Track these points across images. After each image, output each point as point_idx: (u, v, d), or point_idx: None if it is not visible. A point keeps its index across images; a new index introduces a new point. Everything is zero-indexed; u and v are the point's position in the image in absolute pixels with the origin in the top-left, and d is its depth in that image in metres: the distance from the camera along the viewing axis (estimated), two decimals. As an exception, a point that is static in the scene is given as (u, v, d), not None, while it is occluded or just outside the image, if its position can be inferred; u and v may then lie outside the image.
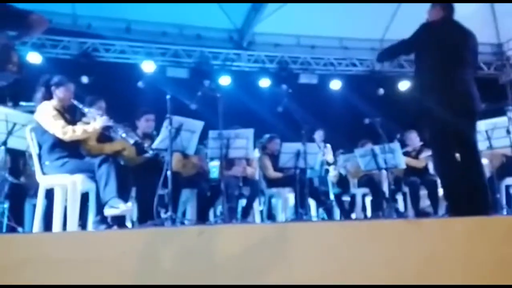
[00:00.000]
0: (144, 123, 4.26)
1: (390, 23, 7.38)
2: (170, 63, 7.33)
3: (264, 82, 7.62)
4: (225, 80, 7.34)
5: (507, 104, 4.83)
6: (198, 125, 3.95)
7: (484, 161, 4.91)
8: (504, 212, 4.35)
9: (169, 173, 3.55)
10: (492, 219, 3.21)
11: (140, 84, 4.04)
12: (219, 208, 4.96)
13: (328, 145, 6.43)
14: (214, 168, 5.20)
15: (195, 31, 7.28)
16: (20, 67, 2.49)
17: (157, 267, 2.11)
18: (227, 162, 4.64)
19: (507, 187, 4.80)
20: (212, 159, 4.83)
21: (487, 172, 4.86)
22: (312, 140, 5.44)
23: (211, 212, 4.83)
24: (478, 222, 2.72)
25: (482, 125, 4.35)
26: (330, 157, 6.23)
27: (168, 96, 3.71)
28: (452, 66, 3.17)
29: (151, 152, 3.90)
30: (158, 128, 4.02)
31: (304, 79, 7.79)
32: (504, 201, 4.59)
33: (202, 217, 4.48)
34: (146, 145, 3.93)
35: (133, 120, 4.28)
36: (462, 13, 7.11)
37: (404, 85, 7.83)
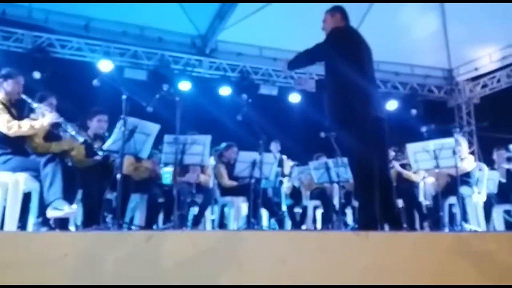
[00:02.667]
0: (96, 124, 4.11)
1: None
2: (129, 64, 7.16)
3: (225, 90, 7.62)
4: (184, 85, 7.26)
5: (454, 127, 5.08)
6: (154, 128, 3.86)
7: (431, 179, 5.14)
8: (447, 229, 4.53)
9: (119, 176, 3.44)
10: (435, 235, 3.35)
11: (95, 82, 3.89)
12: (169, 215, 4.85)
13: (284, 156, 6.50)
14: (167, 173, 5.09)
15: (157, 33, 7.17)
16: None
17: (101, 271, 2.02)
18: (181, 168, 4.56)
19: (450, 205, 5.01)
20: (166, 164, 4.72)
21: (433, 191, 5.10)
22: (268, 150, 5.47)
23: (161, 219, 4.70)
24: (422, 238, 2.83)
25: (431, 145, 4.53)
26: (287, 169, 6.29)
27: (124, 97, 3.61)
28: (366, 70, 3.19)
29: (101, 153, 3.75)
30: (110, 130, 3.89)
31: (264, 90, 7.87)
32: (447, 219, 4.78)
33: (151, 224, 4.36)
34: (96, 146, 3.79)
35: (85, 120, 4.13)
36: (416, 37, 7.51)
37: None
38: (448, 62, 8.74)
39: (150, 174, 4.62)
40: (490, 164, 5.56)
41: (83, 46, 6.93)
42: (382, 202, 3.11)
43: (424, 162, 4.59)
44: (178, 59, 7.48)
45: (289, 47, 7.89)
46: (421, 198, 5.06)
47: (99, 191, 3.54)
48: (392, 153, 5.15)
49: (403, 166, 5.33)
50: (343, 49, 3.16)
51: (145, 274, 2.10)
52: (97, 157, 3.86)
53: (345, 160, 4.79)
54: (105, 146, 3.74)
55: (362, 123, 3.05)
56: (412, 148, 4.65)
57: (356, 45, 3.24)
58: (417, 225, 5.04)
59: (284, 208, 5.87)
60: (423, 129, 4.94)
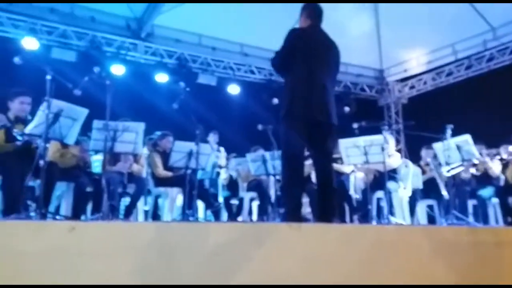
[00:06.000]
0: (18, 106, 3.81)
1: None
2: (57, 44, 6.68)
3: (161, 77, 7.37)
4: (118, 69, 6.90)
5: (384, 124, 5.33)
6: (81, 112, 3.63)
7: (360, 174, 5.36)
8: (374, 222, 4.76)
9: (42, 162, 3.19)
10: (364, 227, 3.51)
11: (16, 60, 3.56)
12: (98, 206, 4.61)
13: (222, 148, 6.44)
14: (96, 162, 4.83)
15: (89, 13, 6.73)
16: None
17: (18, 263, 1.86)
18: (112, 156, 4.35)
19: (378, 199, 5.27)
20: (96, 152, 4.47)
21: (362, 185, 5.32)
22: (205, 141, 5.38)
23: (89, 209, 4.45)
24: (352, 230, 2.94)
25: (361, 141, 4.71)
26: (223, 161, 6.24)
27: (48, 77, 3.34)
28: (314, 72, 3.21)
29: (20, 138, 3.46)
30: (33, 113, 3.60)
31: (203, 79, 7.73)
32: (374, 212, 5.02)
33: (78, 214, 4.11)
34: (17, 130, 3.49)
35: (5, 101, 3.79)
36: (351, 35, 7.78)
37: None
38: (379, 63, 9.15)
39: (78, 161, 4.35)
40: (416, 161, 5.90)
41: (5, 21, 6.34)
42: (320, 201, 3.21)
43: (355, 157, 4.78)
44: (111, 42, 7.09)
45: (229, 38, 7.89)
46: (351, 192, 5.25)
47: (20, 178, 3.27)
48: None
49: (334, 160, 5.49)
50: (293, 51, 3.23)
51: (67, 268, 1.96)
52: (18, 142, 3.55)
53: (281, 153, 4.87)
54: (27, 130, 3.46)
55: (292, 123, 3.16)
56: (344, 143, 4.81)
57: (306, 48, 3.25)
58: (347, 218, 5.23)
59: (220, 199, 5.82)
60: (355, 125, 5.12)
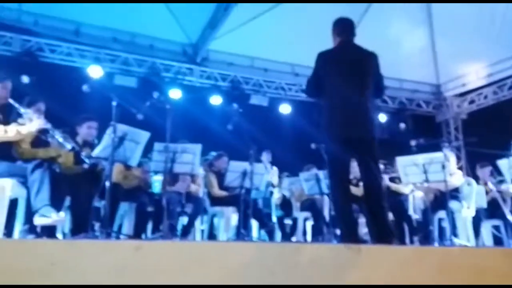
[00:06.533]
0: (86, 130, 4.06)
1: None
2: (119, 71, 7.10)
3: (215, 100, 7.59)
4: (175, 94, 7.21)
5: (443, 141, 5.13)
6: (144, 136, 3.82)
7: (419, 193, 5.17)
8: (436, 244, 4.55)
9: (107, 184, 3.38)
10: (427, 249, 3.37)
11: (84, 88, 3.86)
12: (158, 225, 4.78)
13: (275, 167, 6.48)
14: (156, 182, 5.03)
15: (148, 41, 7.13)
16: None
17: (88, 281, 1.96)
18: (171, 177, 4.51)
19: (440, 220, 5.04)
20: (155, 172, 4.67)
21: (422, 205, 5.12)
22: (259, 160, 5.45)
23: (149, 228, 4.63)
24: (413, 252, 2.84)
25: (420, 159, 4.56)
26: (275, 179, 6.27)
27: (114, 103, 3.57)
28: (346, 90, 3.17)
29: (89, 161, 3.69)
30: (100, 137, 3.84)
31: (255, 100, 7.87)
32: (436, 233, 4.80)
33: (139, 233, 4.29)
34: (84, 153, 3.73)
35: (74, 126, 4.07)
36: (405, 51, 7.61)
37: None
38: (436, 77, 8.86)
39: (140, 182, 4.56)
40: (478, 179, 5.61)
41: (73, 51, 6.86)
42: (371, 218, 3.15)
43: (414, 175, 4.62)
44: (169, 67, 7.45)
45: (281, 58, 8.01)
46: (410, 212, 5.07)
47: (88, 198, 3.47)
48: (381, 167, 5.17)
49: (392, 179, 5.35)
50: (321, 75, 3.28)
51: (133, 284, 2.05)
52: (86, 165, 3.79)
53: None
54: (94, 153, 3.68)
55: (333, 144, 3.20)
56: (401, 161, 4.67)
57: (335, 68, 3.26)
58: (407, 239, 5.04)
59: (274, 219, 5.82)
60: (412, 143, 4.98)
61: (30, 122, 3.30)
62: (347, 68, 3.26)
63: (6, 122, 3.28)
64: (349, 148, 3.16)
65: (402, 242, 4.72)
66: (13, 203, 3.16)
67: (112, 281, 2.02)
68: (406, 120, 8.42)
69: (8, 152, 3.29)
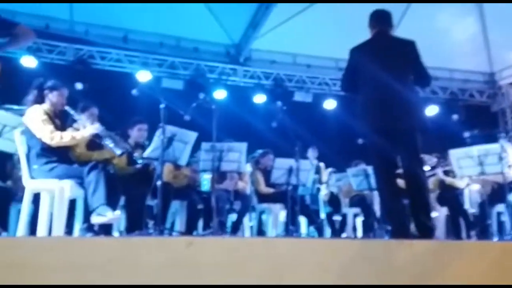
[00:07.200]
0: (137, 133, 4.21)
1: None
2: (166, 74, 7.32)
3: (259, 98, 7.64)
4: (220, 94, 7.34)
5: (500, 132, 4.88)
6: (191, 136, 3.92)
7: (476, 186, 4.94)
8: (495, 238, 4.33)
9: (159, 183, 3.50)
10: (485, 244, 3.22)
11: (134, 92, 4.00)
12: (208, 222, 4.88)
13: (321, 164, 6.42)
14: (205, 180, 5.14)
15: (192, 44, 7.32)
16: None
17: (143, 275, 2.04)
18: (219, 175, 4.60)
19: (498, 213, 4.79)
20: (204, 171, 4.77)
21: (479, 198, 4.89)
22: (305, 157, 5.42)
23: (200, 225, 4.74)
24: (470, 247, 2.72)
25: (474, 151, 4.36)
26: (323, 176, 6.22)
27: (162, 105, 3.68)
28: (382, 81, 3.06)
29: (140, 161, 3.83)
30: (150, 138, 3.98)
31: (299, 97, 7.84)
32: (495, 228, 4.57)
33: (190, 229, 4.40)
34: (136, 154, 3.87)
35: (126, 129, 4.23)
36: (455, 40, 7.28)
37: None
38: (489, 66, 8.42)
39: (189, 181, 4.68)
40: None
41: (122, 57, 7.15)
42: (412, 212, 3.05)
43: (469, 168, 4.42)
44: (213, 68, 7.58)
45: (322, 54, 7.92)
46: (466, 206, 4.86)
47: (141, 197, 3.61)
48: (434, 160, 4.99)
49: (446, 173, 5.15)
50: (355, 70, 3.25)
51: (186, 279, 2.11)
52: (138, 165, 3.94)
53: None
54: (145, 154, 3.82)
55: (373, 138, 3.13)
56: (455, 154, 4.49)
57: (369, 61, 3.18)
58: (464, 234, 4.84)
59: (322, 215, 5.78)
60: (466, 134, 4.77)
61: (84, 128, 3.48)
62: (382, 58, 3.17)
63: (63, 128, 3.47)
64: (389, 140, 3.05)
65: (458, 237, 4.54)
66: (72, 204, 3.33)
67: (165, 275, 2.08)
68: (459, 111, 8.06)
69: (66, 156, 3.47)
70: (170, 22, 6.80)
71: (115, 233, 3.79)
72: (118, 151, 3.47)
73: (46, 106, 3.43)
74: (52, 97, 3.45)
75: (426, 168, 4.69)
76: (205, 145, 4.21)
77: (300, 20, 6.88)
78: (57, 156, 3.33)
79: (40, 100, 3.44)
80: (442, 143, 5.08)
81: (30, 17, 6.20)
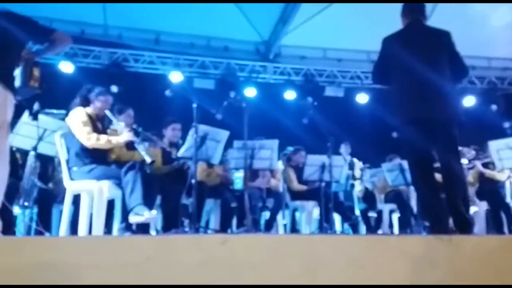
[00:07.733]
0: (171, 132, 4.29)
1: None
2: (197, 74, 7.42)
3: (290, 94, 7.61)
4: (250, 92, 7.37)
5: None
6: (223, 134, 3.96)
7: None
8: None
9: (193, 182, 3.55)
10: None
11: (167, 93, 4.09)
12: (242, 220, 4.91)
13: (355, 159, 6.33)
14: (238, 179, 5.18)
15: (222, 43, 7.38)
16: (41, 82, 2.55)
17: (180, 273, 2.09)
18: (251, 173, 4.62)
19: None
20: (236, 169, 4.81)
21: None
22: (338, 153, 5.36)
23: (234, 223, 4.79)
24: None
25: (515, 142, 4.19)
26: (356, 171, 6.13)
27: (194, 105, 3.74)
28: (415, 72, 2.96)
29: (176, 161, 3.91)
30: (184, 137, 4.05)
31: (330, 92, 7.74)
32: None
33: (225, 227, 4.45)
34: (173, 153, 3.96)
35: (160, 129, 4.32)
36: (492, 27, 6.99)
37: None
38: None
39: (222, 179, 4.73)
40: None
41: (155, 59, 7.29)
42: (449, 207, 2.95)
43: (509, 160, 4.26)
44: (244, 67, 7.61)
45: (353, 47, 7.78)
46: (508, 199, 4.67)
47: (176, 196, 3.68)
48: (472, 152, 4.82)
49: (485, 165, 4.97)
50: (387, 61, 3.16)
51: (221, 277, 2.13)
52: (173, 164, 4.02)
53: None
54: (179, 153, 3.89)
55: (407, 130, 3.03)
56: (495, 145, 4.33)
57: (401, 51, 3.07)
58: (505, 228, 4.66)
59: (357, 212, 5.70)
60: (506, 125, 4.58)
61: (121, 134, 3.58)
62: (417, 48, 3.07)
63: (104, 132, 3.59)
64: (424, 132, 2.96)
65: (500, 232, 4.38)
66: (111, 204, 3.44)
67: (200, 272, 2.12)
68: (498, 100, 7.73)
69: (104, 157, 3.60)
70: (200, 22, 6.88)
71: (152, 232, 3.88)
72: (149, 159, 3.50)
73: (89, 109, 3.56)
74: (97, 102, 3.58)
75: (464, 161, 4.54)
76: (237, 143, 4.24)
77: (329, 13, 6.78)
78: (96, 158, 3.44)
79: (85, 103, 3.58)
80: (480, 135, 4.91)
81: (66, 23, 6.42)
